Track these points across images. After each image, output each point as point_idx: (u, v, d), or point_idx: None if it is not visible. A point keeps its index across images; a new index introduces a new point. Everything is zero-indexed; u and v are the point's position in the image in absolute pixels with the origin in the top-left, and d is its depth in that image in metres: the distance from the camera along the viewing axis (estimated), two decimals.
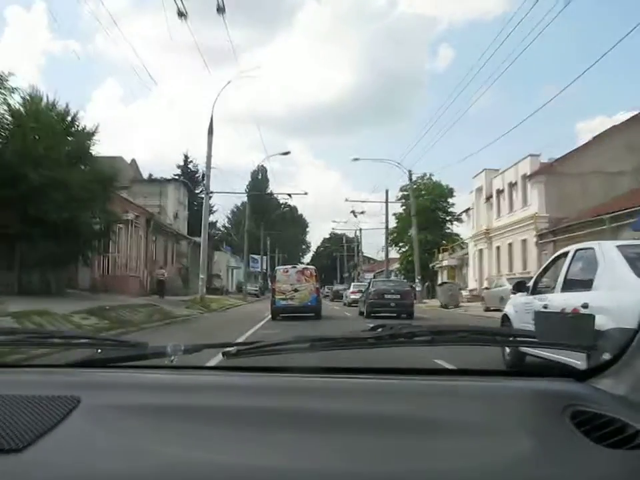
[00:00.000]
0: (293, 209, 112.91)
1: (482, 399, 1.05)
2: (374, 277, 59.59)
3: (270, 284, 28.72)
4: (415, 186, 52.32)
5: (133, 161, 53.87)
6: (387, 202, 51.06)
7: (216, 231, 79.82)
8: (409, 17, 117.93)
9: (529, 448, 0.86)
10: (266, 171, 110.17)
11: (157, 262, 36.01)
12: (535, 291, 7.04)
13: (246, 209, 52.73)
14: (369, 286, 23.64)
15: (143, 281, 30.04)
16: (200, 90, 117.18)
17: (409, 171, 38.49)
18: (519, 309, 7.27)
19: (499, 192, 34.27)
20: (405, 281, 34.33)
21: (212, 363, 1.86)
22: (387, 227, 51.26)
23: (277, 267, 25.49)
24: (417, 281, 37.94)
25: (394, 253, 53.96)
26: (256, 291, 57.82)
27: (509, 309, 7.80)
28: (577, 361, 3.97)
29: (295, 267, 22.61)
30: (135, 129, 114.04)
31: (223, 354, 1.26)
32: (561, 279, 6.35)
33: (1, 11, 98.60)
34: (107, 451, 0.86)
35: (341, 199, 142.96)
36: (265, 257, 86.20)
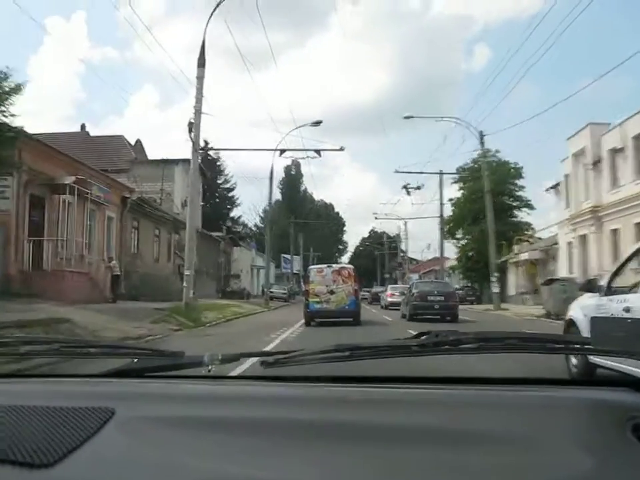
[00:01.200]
0: (329, 206, 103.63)
1: (532, 410, 0.97)
2: (420, 278, 49.41)
3: (303, 286, 26.07)
4: (475, 165, 42.08)
5: (138, 142, 44.76)
6: (440, 183, 40.85)
7: (238, 226, 70.85)
8: (444, 17, 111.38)
9: (587, 464, 0.79)
10: (299, 166, 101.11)
11: (140, 255, 26.50)
12: (611, 290, 5.68)
13: (268, 208, 42.53)
14: (412, 288, 22.01)
15: (100, 279, 20.34)
16: (235, 93, 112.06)
17: (480, 132, 28.06)
18: (590, 313, 5.74)
19: (616, 152, 23.69)
20: (448, 281, 31.67)
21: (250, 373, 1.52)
22: (441, 215, 40.93)
23: (310, 266, 21.84)
24: (492, 280, 27.70)
25: (446, 251, 44.04)
26: (283, 294, 48.03)
27: (575, 313, 6.37)
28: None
29: (331, 267, 19.10)
30: (172, 132, 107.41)
31: (261, 363, 1.21)
32: None
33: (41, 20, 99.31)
34: (141, 465, 0.83)
35: (378, 201, 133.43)
36: (297, 257, 76.82)
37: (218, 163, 61.03)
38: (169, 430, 0.92)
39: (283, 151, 21.60)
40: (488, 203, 27.93)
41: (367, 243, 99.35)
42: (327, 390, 1.16)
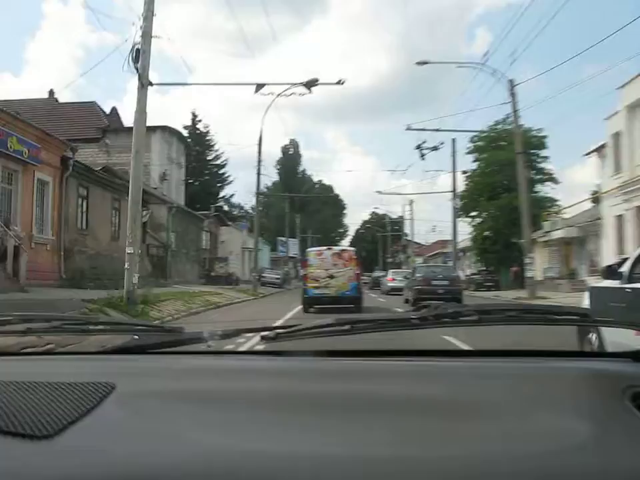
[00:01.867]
0: (328, 188, 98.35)
1: (533, 380, 0.97)
2: (424, 262, 44.51)
3: (300, 270, 23.70)
4: (493, 133, 36.77)
5: (114, 110, 39.44)
6: (453, 148, 35.58)
7: (234, 208, 65.93)
8: (444, 1, 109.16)
9: (585, 431, 0.79)
10: (297, 145, 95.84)
11: (90, 232, 21.26)
12: (633, 277, 5.04)
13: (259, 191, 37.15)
14: (415, 272, 21.56)
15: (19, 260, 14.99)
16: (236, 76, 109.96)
17: (510, 82, 22.62)
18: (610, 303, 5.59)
19: None
20: (450, 265, 29.57)
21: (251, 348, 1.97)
22: (454, 191, 35.72)
23: (308, 249, 20.37)
24: (527, 261, 22.56)
25: (446, 235, 38.67)
26: (277, 279, 42.84)
27: (590, 287, 6.41)
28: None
29: (331, 249, 17.59)
30: (172, 118, 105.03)
31: (262, 337, 1.20)
32: None
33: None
34: (142, 436, 0.83)
35: (378, 186, 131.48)
36: (294, 240, 71.71)
37: (207, 138, 55.65)
38: (169, 403, 0.91)
39: (261, 86, 16.11)
40: (520, 167, 22.64)
41: (368, 225, 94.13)
42: (328, 363, 1.17)
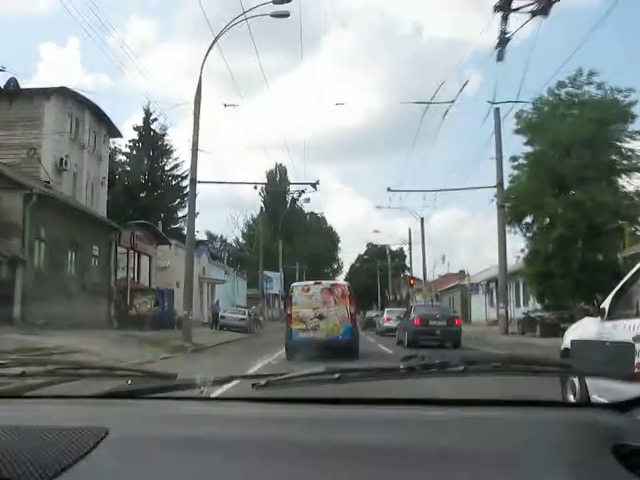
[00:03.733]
0: (321, 219, 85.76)
1: (516, 429, 0.97)
2: (436, 299, 40.89)
3: (284, 308, 19.53)
4: (551, 99, 24.40)
5: (13, 80, 26.95)
6: (498, 125, 23.05)
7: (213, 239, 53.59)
8: (436, 42, 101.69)
9: None
10: (285, 172, 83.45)
11: None
12: (615, 314, 4.65)
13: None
14: (411, 311, 19.64)
15: None
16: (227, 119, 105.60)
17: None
18: (590, 338, 5.01)
19: None
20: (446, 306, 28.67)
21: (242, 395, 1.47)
22: (500, 184, 23.15)
23: (294, 284, 15.46)
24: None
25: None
26: (241, 320, 29.73)
27: (572, 340, 5.40)
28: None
29: (320, 284, 14.33)
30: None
31: (253, 385, 1.20)
32: None
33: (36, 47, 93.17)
34: None
35: (372, 227, 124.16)
36: (276, 275, 58.69)
37: (164, 143, 43.09)
38: (162, 450, 0.90)
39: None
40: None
41: (365, 258, 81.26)
42: (317, 411, 1.16)
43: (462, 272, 46.59)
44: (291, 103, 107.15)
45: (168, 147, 42.93)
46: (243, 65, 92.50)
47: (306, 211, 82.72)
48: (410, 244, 44.65)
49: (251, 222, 78.60)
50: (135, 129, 42.00)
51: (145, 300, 23.64)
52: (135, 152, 41.79)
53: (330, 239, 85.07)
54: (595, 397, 3.74)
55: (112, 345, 14.39)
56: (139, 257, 26.88)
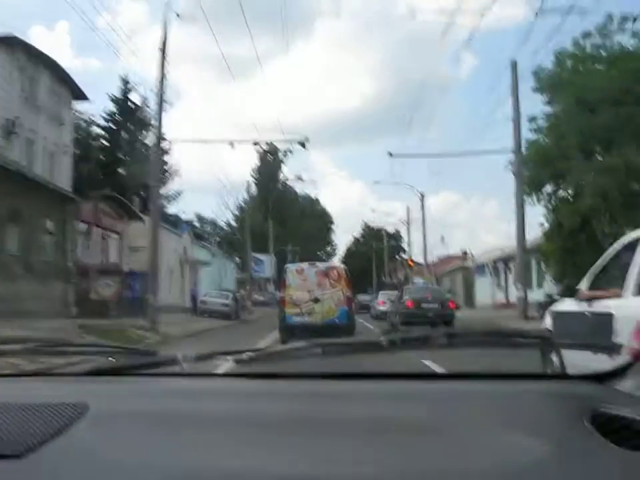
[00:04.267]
0: (315, 201, 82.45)
1: (495, 401, 0.99)
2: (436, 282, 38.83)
3: (277, 291, 19.00)
4: (576, 52, 21.24)
5: None
6: (515, 78, 19.95)
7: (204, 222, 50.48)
8: (430, 24, 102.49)
9: (546, 451, 0.80)
10: (277, 151, 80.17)
11: None
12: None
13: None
14: (402, 294, 19.02)
15: None
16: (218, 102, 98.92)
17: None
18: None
19: None
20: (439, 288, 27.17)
21: (224, 370, 1.49)
22: (518, 148, 20.05)
23: (287, 265, 15.32)
24: None
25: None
26: (224, 306, 26.63)
27: (553, 311, 5.90)
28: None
29: (315, 266, 14.03)
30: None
31: (235, 361, 1.19)
32: (631, 279, 4.28)
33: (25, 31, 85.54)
34: (112, 460, 0.81)
35: (367, 210, 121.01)
36: (268, 258, 55.62)
37: (145, 116, 39.68)
38: (142, 425, 0.90)
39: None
40: None
41: (360, 240, 78.26)
42: (300, 386, 1.16)
43: (465, 253, 43.56)
44: (284, 86, 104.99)
45: (150, 120, 39.52)
46: (234, 48, 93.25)
47: (299, 192, 79.70)
48: (408, 223, 41.67)
49: (242, 204, 75.47)
50: (111, 99, 38.55)
51: (108, 282, 20.41)
52: (111, 125, 38.36)
53: (323, 221, 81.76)
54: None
55: (51, 336, 11.50)
56: (105, 234, 23.66)
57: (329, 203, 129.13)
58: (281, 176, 77.10)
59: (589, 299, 4.89)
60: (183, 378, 1.22)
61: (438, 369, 5.88)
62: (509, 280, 28.86)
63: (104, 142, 38.40)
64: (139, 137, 39.20)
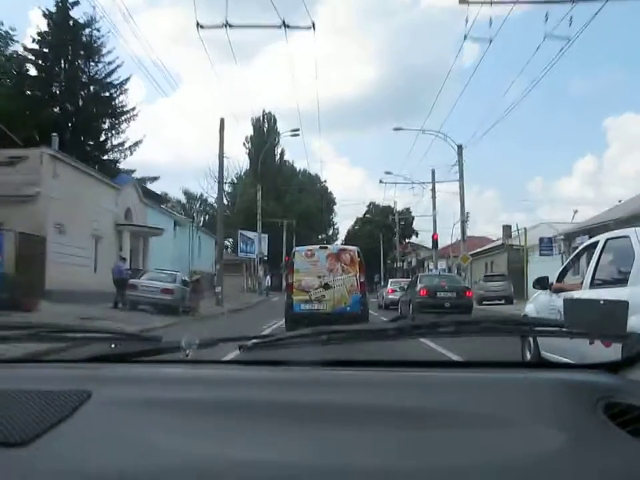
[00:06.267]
0: (315, 177, 72.15)
1: (507, 391, 0.95)
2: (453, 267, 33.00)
3: (285, 277, 16.75)
4: None
5: None
6: None
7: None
8: (434, 11, 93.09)
9: (560, 441, 0.79)
10: (273, 120, 69.83)
11: None
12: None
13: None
14: (416, 281, 17.64)
15: None
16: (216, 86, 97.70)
17: None
18: (541, 309, 6.17)
19: None
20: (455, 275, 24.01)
21: (228, 358, 1.51)
22: None
23: (296, 248, 13.42)
24: None
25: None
26: (166, 293, 16.71)
27: (529, 308, 6.81)
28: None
29: (326, 248, 12.81)
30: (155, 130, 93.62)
31: (239, 347, 1.18)
32: (589, 274, 5.33)
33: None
34: (115, 446, 0.81)
35: (368, 197, 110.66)
36: (262, 235, 45.80)
37: (92, 40, 29.71)
38: (145, 411, 0.89)
39: None
40: None
41: (367, 216, 68.29)
42: (305, 373, 1.13)
43: (507, 228, 33.90)
44: (284, 72, 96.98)
45: (97, 45, 29.58)
46: (233, 31, 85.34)
47: (298, 168, 69.82)
48: (434, 189, 31.83)
49: (235, 180, 65.77)
50: (44, 15, 28.61)
51: None
52: (45, 49, 28.47)
53: (325, 200, 71.61)
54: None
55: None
56: None
57: (329, 186, 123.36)
58: (278, 150, 67.45)
59: (557, 290, 5.78)
60: (186, 365, 1.19)
61: (449, 354, 6.05)
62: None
63: (34, 70, 28.63)
64: (84, 68, 29.32)
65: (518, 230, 30.00)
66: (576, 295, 5.14)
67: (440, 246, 34.37)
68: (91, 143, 28.91)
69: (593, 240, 5.64)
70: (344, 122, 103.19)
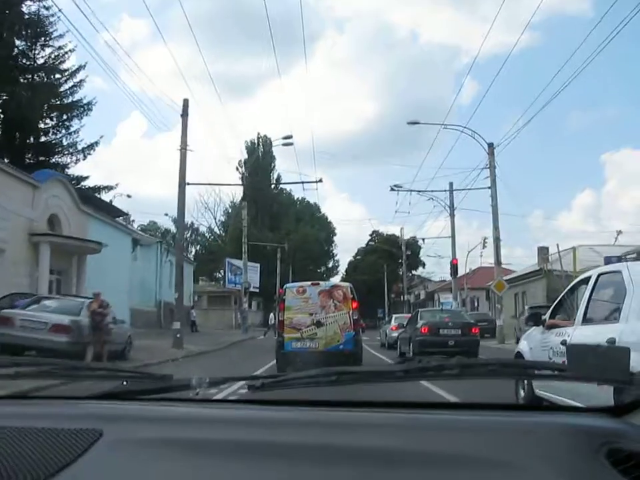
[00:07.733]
0: (314, 207, 66.45)
1: (509, 434, 0.95)
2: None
3: (273, 314, 17.78)
4: None
5: None
6: None
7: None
8: (433, 47, 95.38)
9: None
10: (270, 144, 64.15)
11: None
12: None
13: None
14: (417, 318, 16.08)
15: None
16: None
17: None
18: (535, 345, 5.96)
19: None
20: (460, 310, 22.29)
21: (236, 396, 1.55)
22: None
23: (287, 284, 13.22)
24: None
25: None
26: (58, 332, 10.56)
27: (522, 345, 6.44)
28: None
29: (318, 285, 12.15)
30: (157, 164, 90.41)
31: (248, 387, 1.18)
32: (581, 311, 5.12)
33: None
34: None
35: (368, 232, 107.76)
36: (250, 265, 39.71)
37: (38, 18, 24.34)
38: (156, 451, 0.89)
39: None
40: None
41: (371, 242, 62.29)
42: (313, 413, 1.13)
43: (544, 249, 27.84)
44: (284, 107, 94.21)
45: (44, 26, 24.16)
46: (235, 67, 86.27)
47: (296, 197, 64.18)
48: (452, 205, 25.96)
49: (229, 209, 60.32)
50: None
51: None
52: None
53: (324, 230, 65.69)
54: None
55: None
56: None
57: (328, 223, 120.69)
58: (275, 175, 61.97)
59: (551, 327, 5.68)
60: (197, 404, 1.19)
61: (440, 392, 6.07)
62: None
63: None
64: (27, 52, 23.93)
65: (559, 252, 23.91)
66: (568, 331, 5.11)
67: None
68: (30, 141, 23.16)
69: (586, 275, 5.48)
70: (343, 157, 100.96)
